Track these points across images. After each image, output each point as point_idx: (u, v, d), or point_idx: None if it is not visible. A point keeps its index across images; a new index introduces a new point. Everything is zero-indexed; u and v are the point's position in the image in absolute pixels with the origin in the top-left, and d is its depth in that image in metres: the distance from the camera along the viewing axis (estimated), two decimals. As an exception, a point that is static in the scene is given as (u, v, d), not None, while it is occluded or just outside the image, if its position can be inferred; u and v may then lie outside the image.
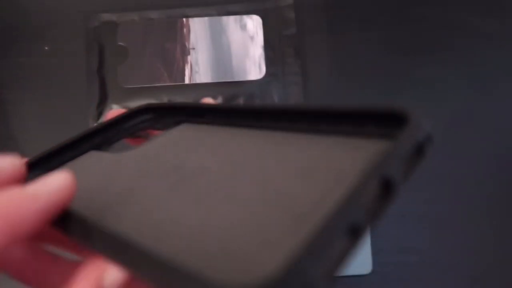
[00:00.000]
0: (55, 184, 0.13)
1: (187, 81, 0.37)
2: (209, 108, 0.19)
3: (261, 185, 0.13)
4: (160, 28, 0.38)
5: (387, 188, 0.10)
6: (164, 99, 0.37)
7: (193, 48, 0.38)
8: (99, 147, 0.20)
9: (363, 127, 0.13)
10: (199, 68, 0.37)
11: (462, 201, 0.35)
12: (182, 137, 0.18)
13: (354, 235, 0.09)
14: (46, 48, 0.38)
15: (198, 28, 0.38)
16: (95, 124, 0.19)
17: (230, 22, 0.38)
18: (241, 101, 0.37)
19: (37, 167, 0.18)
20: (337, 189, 0.11)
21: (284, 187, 0.12)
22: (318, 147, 0.13)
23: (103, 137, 0.20)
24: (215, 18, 0.38)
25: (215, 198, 0.13)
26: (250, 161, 0.14)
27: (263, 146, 0.15)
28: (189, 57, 0.37)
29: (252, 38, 0.38)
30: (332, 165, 0.12)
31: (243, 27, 0.38)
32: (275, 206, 0.11)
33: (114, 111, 0.22)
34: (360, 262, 0.33)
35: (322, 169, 0.12)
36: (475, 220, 0.35)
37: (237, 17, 0.38)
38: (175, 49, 0.38)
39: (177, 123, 0.20)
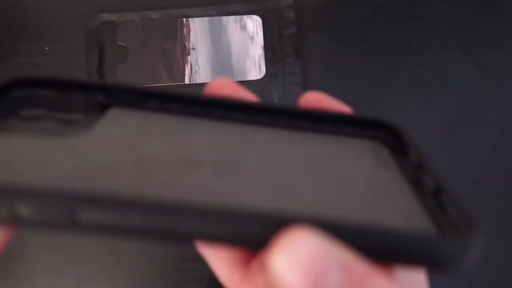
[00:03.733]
0: None
1: (187, 81, 0.37)
2: (158, 95, 0.15)
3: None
4: (160, 28, 0.38)
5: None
6: (164, 99, 0.37)
7: (193, 48, 0.38)
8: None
9: (354, 130, 0.16)
10: (199, 68, 0.37)
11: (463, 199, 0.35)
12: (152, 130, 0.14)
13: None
14: (46, 48, 0.38)
15: (198, 28, 0.38)
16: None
17: (230, 22, 0.38)
18: (241, 101, 0.37)
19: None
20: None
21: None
22: (331, 144, 0.16)
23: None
24: (215, 18, 0.38)
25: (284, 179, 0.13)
26: (280, 156, 0.14)
27: (270, 141, 0.15)
28: (189, 57, 0.37)
29: (252, 38, 0.38)
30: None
31: (243, 27, 0.38)
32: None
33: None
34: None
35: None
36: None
37: (237, 17, 0.38)
38: (175, 49, 0.38)
39: (93, 105, 0.16)
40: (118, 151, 0.13)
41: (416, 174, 0.14)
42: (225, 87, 0.16)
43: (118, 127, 0.14)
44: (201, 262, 0.35)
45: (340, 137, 0.16)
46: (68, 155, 0.13)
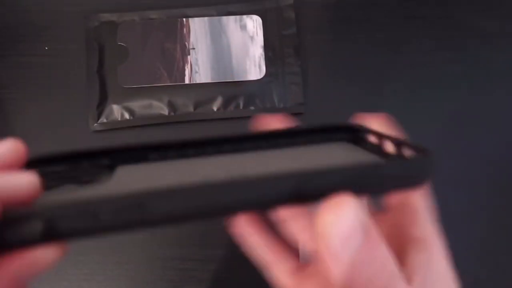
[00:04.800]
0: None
1: (187, 81, 0.37)
2: (155, 146, 0.18)
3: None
4: (160, 28, 0.38)
5: None
6: (164, 99, 0.37)
7: (193, 48, 0.38)
8: None
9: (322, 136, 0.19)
10: (199, 68, 0.37)
11: (463, 201, 0.35)
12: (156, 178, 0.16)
13: None
14: (46, 48, 0.38)
15: (198, 28, 0.38)
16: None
17: (230, 22, 0.38)
18: (241, 101, 0.37)
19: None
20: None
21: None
22: (307, 151, 0.18)
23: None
24: (215, 18, 0.38)
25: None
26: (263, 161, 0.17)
27: (260, 158, 0.18)
28: (189, 57, 0.37)
29: (252, 38, 0.38)
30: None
31: (243, 27, 0.38)
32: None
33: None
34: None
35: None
36: (476, 220, 0.35)
37: (237, 17, 0.38)
38: (175, 49, 0.38)
39: (101, 168, 0.17)
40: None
41: (380, 148, 0.17)
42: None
43: (132, 176, 0.16)
44: (201, 262, 0.35)
45: (313, 144, 0.19)
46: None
